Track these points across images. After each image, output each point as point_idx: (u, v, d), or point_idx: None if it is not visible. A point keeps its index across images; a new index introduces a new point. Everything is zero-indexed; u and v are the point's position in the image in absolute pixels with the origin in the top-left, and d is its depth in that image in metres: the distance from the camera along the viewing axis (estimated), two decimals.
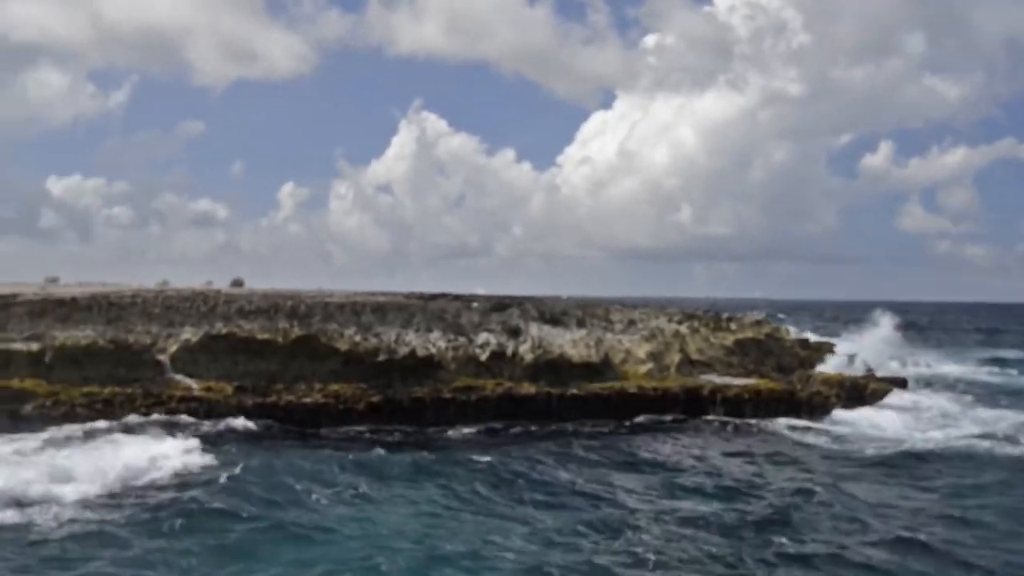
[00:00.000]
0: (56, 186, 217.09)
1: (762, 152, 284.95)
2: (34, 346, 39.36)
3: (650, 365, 47.35)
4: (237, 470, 28.14)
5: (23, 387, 38.03)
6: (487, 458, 32.18)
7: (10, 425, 36.01)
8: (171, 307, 43.93)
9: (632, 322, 51.55)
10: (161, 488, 26.54)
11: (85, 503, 24.17)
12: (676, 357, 48.76)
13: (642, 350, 48.84)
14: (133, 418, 37.38)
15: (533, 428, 40.59)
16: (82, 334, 40.80)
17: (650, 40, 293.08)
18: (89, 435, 33.71)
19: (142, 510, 23.70)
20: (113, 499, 25.17)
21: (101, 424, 36.14)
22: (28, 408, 37.09)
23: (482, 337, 45.39)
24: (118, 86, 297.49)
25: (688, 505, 25.97)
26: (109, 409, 38.44)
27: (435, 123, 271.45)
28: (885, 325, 69.86)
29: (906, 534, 22.67)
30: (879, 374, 53.33)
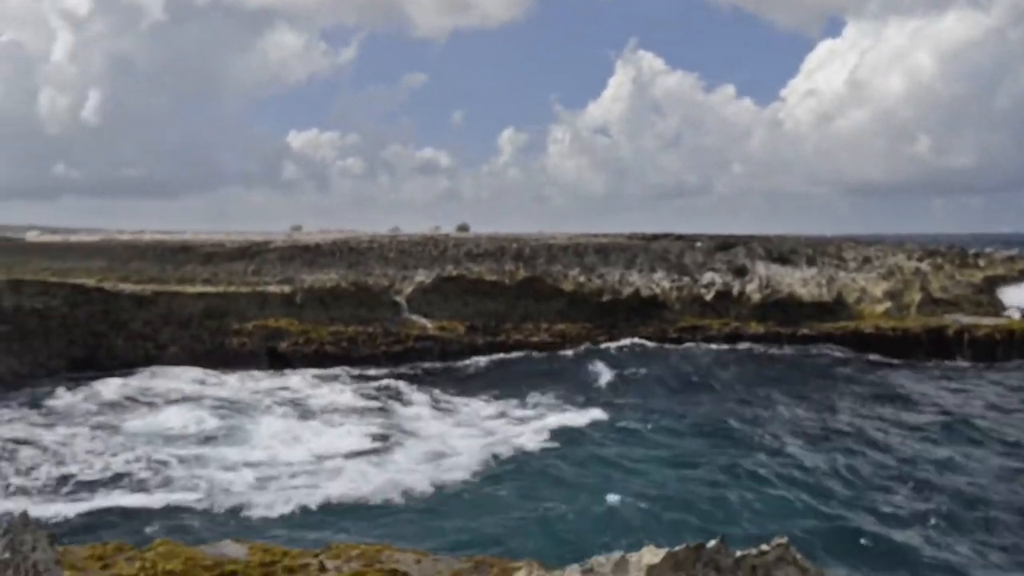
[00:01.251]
0: (296, 140, 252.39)
1: (1011, 75, 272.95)
2: (286, 288, 49.04)
3: (888, 304, 50.82)
4: None
5: (279, 325, 48.49)
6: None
7: (267, 362, 46.77)
8: (405, 251, 52.23)
9: (867, 259, 54.57)
10: None
11: None
12: (917, 296, 51.49)
13: (879, 288, 52.20)
14: None
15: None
16: (327, 277, 50.16)
17: None
18: None
19: None
20: None
21: None
22: (283, 345, 47.64)
23: (707, 277, 50.81)
24: (347, 43, 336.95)
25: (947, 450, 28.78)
26: (353, 346, 48.43)
27: (651, 62, 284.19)
28: None
29: None
30: None
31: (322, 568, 10.46)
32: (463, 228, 65.60)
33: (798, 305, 49.39)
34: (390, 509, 22.45)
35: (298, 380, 40.47)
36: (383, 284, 49.65)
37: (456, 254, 52.14)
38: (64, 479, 24.77)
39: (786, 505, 22.67)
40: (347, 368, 43.80)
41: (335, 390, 38.42)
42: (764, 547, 5.95)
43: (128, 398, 35.27)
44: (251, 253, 52.04)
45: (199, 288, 46.70)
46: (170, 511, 22.03)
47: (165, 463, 26.04)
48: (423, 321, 48.94)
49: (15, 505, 21.57)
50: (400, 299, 49.57)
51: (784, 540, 5.69)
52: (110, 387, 36.16)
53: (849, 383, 39.71)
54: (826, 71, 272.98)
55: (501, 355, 46.84)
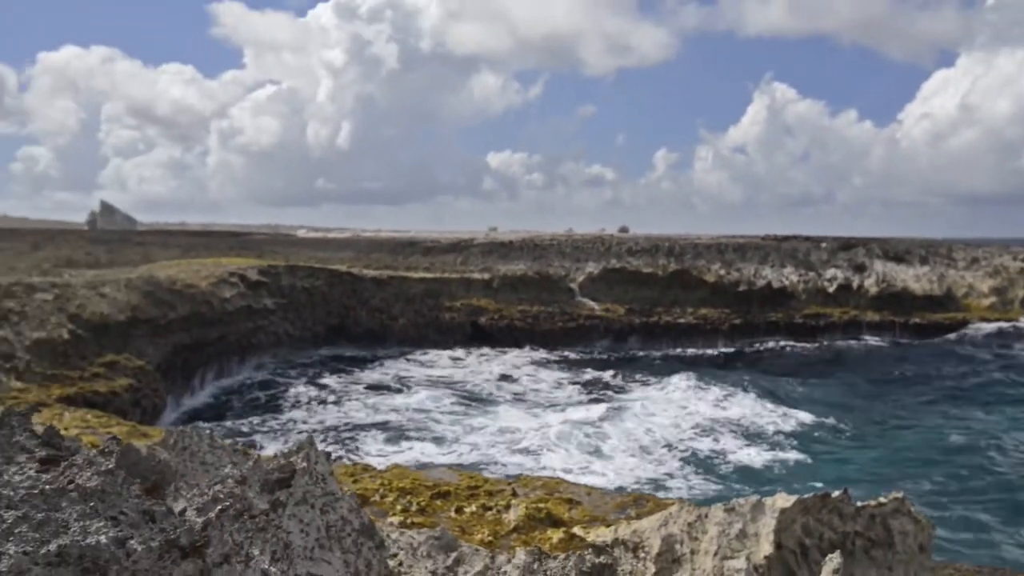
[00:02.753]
0: (493, 159, 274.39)
1: None
2: (486, 275, 51.57)
3: (993, 299, 49.38)
4: None
5: (480, 304, 52.77)
6: None
7: (470, 331, 51.50)
8: (578, 247, 54.43)
9: (975, 259, 52.70)
10: None
11: None
12: (1021, 292, 50.05)
13: (985, 285, 50.51)
14: None
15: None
16: (516, 267, 52.56)
17: None
18: None
19: None
20: None
21: None
22: (483, 319, 52.30)
23: (830, 272, 50.35)
24: (534, 82, 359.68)
25: None
26: (536, 322, 52.48)
27: (784, 91, 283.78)
28: None
29: None
30: None
31: (514, 494, 10.65)
32: (623, 229, 68.24)
33: (911, 298, 48.81)
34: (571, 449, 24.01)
35: (518, 362, 42.90)
36: (560, 273, 51.80)
37: (618, 250, 53.71)
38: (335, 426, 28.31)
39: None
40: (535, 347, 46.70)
41: (554, 376, 40.32)
42: (882, 499, 5.71)
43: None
44: (459, 248, 56.37)
45: (421, 274, 50.13)
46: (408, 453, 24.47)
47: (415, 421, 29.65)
48: (591, 304, 50.66)
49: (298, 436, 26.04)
50: (574, 285, 51.59)
51: (900, 494, 5.43)
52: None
53: None
54: (940, 96, 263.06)
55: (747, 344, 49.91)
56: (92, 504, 2.25)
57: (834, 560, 3.94)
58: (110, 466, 2.43)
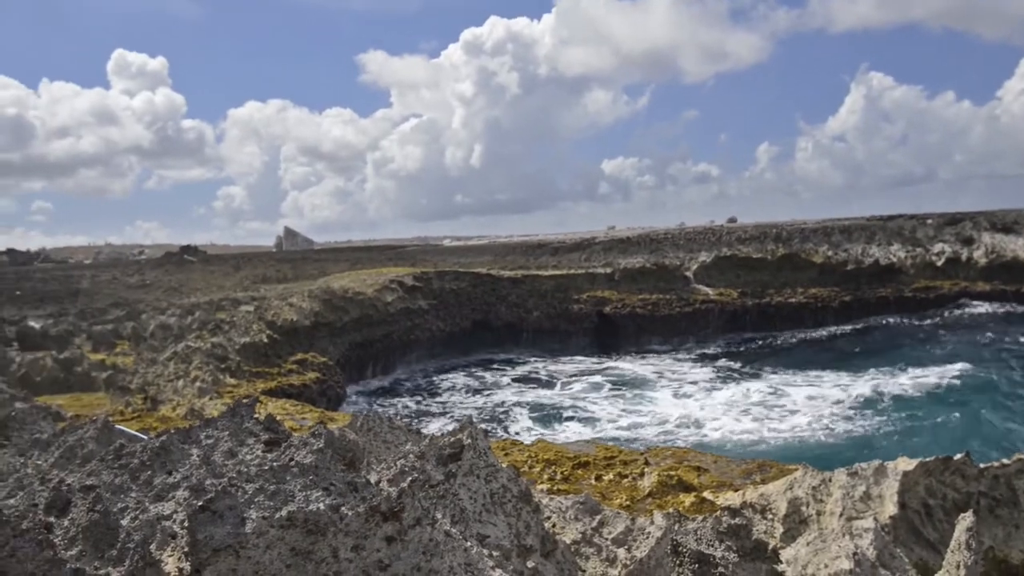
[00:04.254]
0: (607, 166, 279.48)
1: None
2: (608, 269, 51.68)
3: None
4: None
5: (603, 295, 52.19)
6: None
7: (596, 319, 51.23)
8: (690, 239, 53.15)
9: None
10: None
11: None
12: None
13: None
14: None
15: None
16: (635, 260, 51.92)
17: None
18: None
19: None
20: None
21: None
22: (607, 308, 51.86)
23: (937, 247, 46.67)
24: (641, 94, 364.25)
25: None
26: (655, 309, 51.59)
27: (880, 80, 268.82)
28: None
29: None
30: None
31: (646, 463, 10.57)
32: (732, 220, 66.05)
33: (1021, 266, 45.07)
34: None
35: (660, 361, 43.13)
36: (675, 263, 50.56)
37: (728, 239, 51.98)
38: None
39: None
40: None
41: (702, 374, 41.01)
42: (1005, 461, 5.37)
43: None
44: (583, 246, 56.19)
45: (550, 272, 50.27)
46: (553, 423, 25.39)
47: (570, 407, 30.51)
48: (706, 289, 49.17)
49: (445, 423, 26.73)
50: (688, 274, 50.20)
51: None
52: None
53: None
54: None
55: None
56: (310, 477, 2.43)
57: (967, 519, 3.69)
58: (320, 446, 2.62)
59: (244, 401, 3.18)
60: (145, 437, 4.27)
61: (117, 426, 4.78)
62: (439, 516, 2.68)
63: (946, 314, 43.17)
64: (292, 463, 2.48)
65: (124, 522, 2.51)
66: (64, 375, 18.94)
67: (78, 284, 43.08)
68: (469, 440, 3.41)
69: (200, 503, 2.21)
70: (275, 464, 2.46)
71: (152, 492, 2.72)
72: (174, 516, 2.51)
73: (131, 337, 24.70)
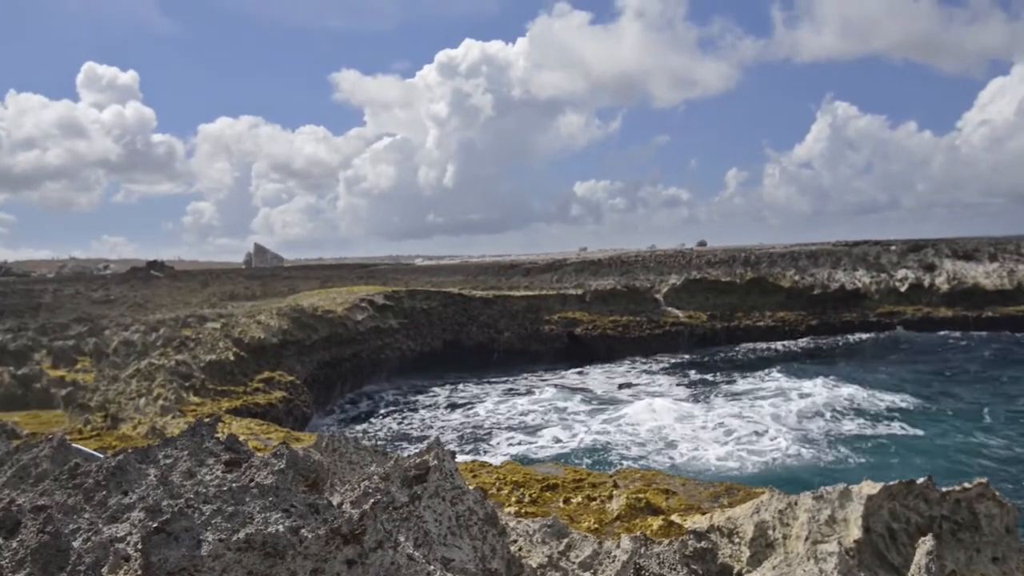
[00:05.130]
0: (580, 188, 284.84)
1: None
2: (579, 291, 51.65)
3: None
4: None
5: (575, 316, 52.47)
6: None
7: (567, 340, 51.35)
8: (661, 262, 53.58)
9: None
10: None
11: None
12: None
13: None
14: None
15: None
16: (606, 282, 52.44)
17: None
18: None
19: None
20: None
21: None
22: (578, 330, 52.04)
23: (901, 272, 47.51)
24: (613, 118, 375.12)
25: None
26: (625, 331, 51.86)
27: (846, 109, 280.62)
28: None
29: None
30: None
31: (615, 485, 10.41)
32: (702, 243, 66.88)
33: (982, 293, 45.92)
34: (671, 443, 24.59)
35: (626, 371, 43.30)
36: (646, 285, 50.95)
37: (698, 262, 52.55)
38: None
39: None
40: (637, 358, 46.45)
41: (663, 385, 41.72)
42: (967, 484, 5.39)
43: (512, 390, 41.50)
44: (555, 267, 56.52)
45: (522, 292, 50.51)
46: (530, 448, 24.56)
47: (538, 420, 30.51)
48: (676, 311, 49.58)
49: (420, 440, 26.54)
50: (659, 296, 50.67)
51: (984, 480, 5.11)
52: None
53: None
54: (997, 103, 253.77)
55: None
56: (270, 499, 2.39)
57: (927, 543, 3.74)
58: (282, 466, 2.58)
59: (206, 420, 3.11)
60: (102, 456, 4.16)
61: (74, 445, 4.65)
62: (402, 539, 2.65)
63: (909, 332, 44.05)
64: (252, 484, 2.43)
65: (76, 544, 2.43)
66: (22, 391, 18.43)
67: (40, 298, 42.08)
68: (435, 461, 3.40)
69: (155, 524, 2.15)
70: (234, 485, 2.41)
71: (106, 513, 2.64)
72: (128, 538, 2.44)
73: (93, 353, 24.15)
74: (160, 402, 17.04)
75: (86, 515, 2.62)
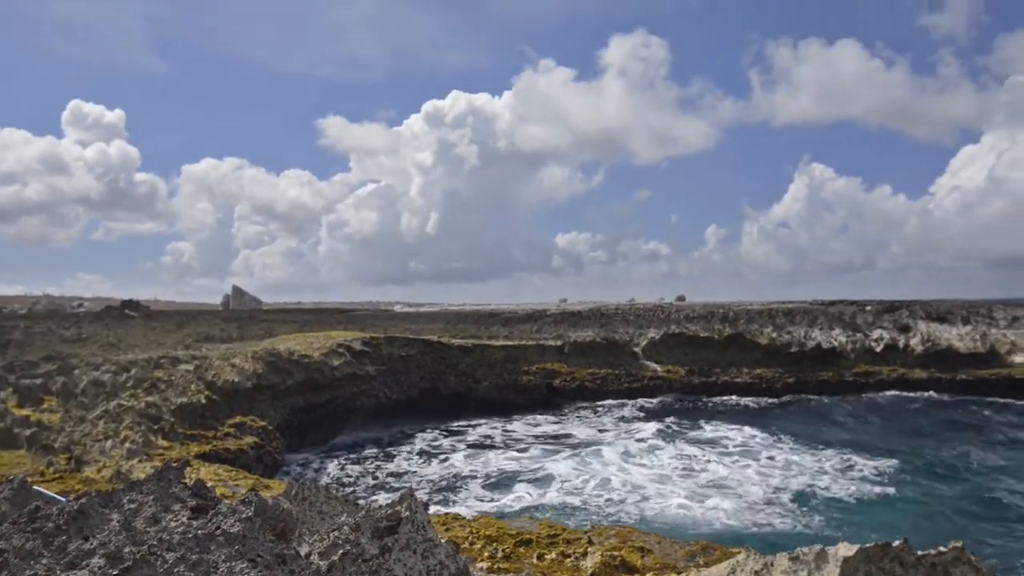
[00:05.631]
0: (561, 240, 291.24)
1: None
2: (558, 342, 51.98)
3: None
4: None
5: (553, 368, 52.18)
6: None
7: (546, 392, 51.06)
8: (640, 315, 53.66)
9: (1016, 318, 48.83)
10: None
11: None
12: None
13: None
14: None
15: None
16: (585, 333, 52.78)
17: (1013, 81, 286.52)
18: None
19: None
20: None
21: None
22: (556, 381, 51.81)
23: (876, 332, 48.31)
24: (595, 172, 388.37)
25: None
26: (604, 383, 51.70)
27: (822, 171, 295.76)
28: None
29: None
30: None
31: (590, 542, 10.34)
32: (681, 298, 67.50)
33: (955, 355, 46.50)
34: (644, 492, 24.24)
35: (606, 420, 42.29)
36: (625, 339, 51.20)
37: (677, 317, 52.83)
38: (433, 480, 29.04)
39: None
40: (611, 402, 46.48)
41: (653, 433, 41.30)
42: (942, 548, 5.06)
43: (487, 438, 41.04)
44: (534, 317, 56.60)
45: (502, 342, 50.41)
46: (497, 498, 24.17)
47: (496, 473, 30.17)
48: (654, 366, 49.91)
49: (399, 488, 25.92)
50: (637, 349, 50.85)
51: (959, 544, 4.96)
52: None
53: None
54: (968, 170, 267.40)
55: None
56: (236, 547, 2.33)
57: None
58: (249, 514, 2.52)
59: (173, 465, 3.05)
60: (64, 500, 4.04)
61: (35, 488, 4.52)
62: None
63: (884, 395, 44.39)
64: (218, 531, 2.38)
65: None
66: None
67: (9, 335, 41.26)
68: (407, 512, 3.35)
69: (115, 572, 2.09)
70: (200, 532, 2.35)
71: (65, 559, 2.56)
72: None
73: (60, 392, 23.60)
74: (127, 445, 16.63)
75: (43, 560, 2.54)
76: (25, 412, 20.78)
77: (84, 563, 2.48)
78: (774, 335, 49.40)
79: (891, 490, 24.17)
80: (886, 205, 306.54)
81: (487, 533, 10.97)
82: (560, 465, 28.20)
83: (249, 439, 23.80)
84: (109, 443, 16.61)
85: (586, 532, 11.28)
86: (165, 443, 19.07)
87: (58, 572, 2.46)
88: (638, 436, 34.18)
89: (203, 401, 24.29)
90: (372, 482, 26.32)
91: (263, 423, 26.61)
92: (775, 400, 45.36)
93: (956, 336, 47.05)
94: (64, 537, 2.66)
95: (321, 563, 2.38)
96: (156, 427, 19.72)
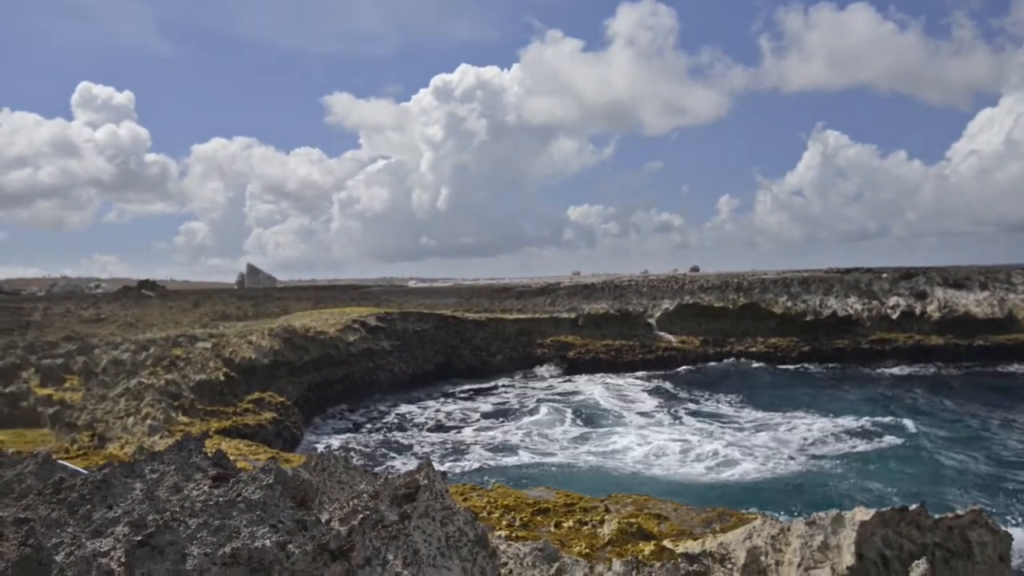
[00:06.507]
0: (573, 212, 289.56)
1: None
2: (572, 314, 52.38)
3: None
4: None
5: (567, 340, 52.80)
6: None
7: (559, 364, 51.17)
8: (654, 287, 53.53)
9: None
10: None
11: None
12: None
13: None
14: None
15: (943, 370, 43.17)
16: (599, 306, 52.71)
17: None
18: None
19: None
20: None
21: None
22: (571, 353, 51.94)
23: (892, 300, 47.76)
24: (606, 144, 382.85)
25: None
26: (618, 355, 51.75)
27: (836, 138, 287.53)
28: None
29: None
30: None
31: (607, 510, 10.42)
32: (695, 269, 67.16)
33: (973, 321, 46.16)
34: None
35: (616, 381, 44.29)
36: (639, 310, 51.25)
37: (691, 287, 52.60)
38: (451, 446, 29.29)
39: None
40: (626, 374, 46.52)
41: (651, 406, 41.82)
42: (960, 512, 5.41)
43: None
44: (548, 291, 56.67)
45: (515, 315, 50.58)
46: (513, 467, 24.10)
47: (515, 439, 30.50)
48: (668, 337, 49.97)
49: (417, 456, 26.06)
50: (651, 321, 50.87)
51: (977, 507, 5.18)
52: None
53: None
54: (986, 133, 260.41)
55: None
56: (257, 513, 2.35)
57: (920, 566, 3.72)
58: (269, 481, 2.54)
59: (192, 436, 3.08)
60: (88, 473, 4.10)
61: (59, 461, 4.59)
62: (391, 557, 2.61)
63: (893, 368, 44.10)
64: (239, 498, 2.40)
65: (58, 558, 2.39)
66: (8, 410, 18.23)
67: (29, 316, 41.80)
68: (425, 481, 3.37)
69: (139, 538, 2.12)
70: (221, 499, 2.37)
71: (90, 527, 2.60)
72: (112, 552, 2.40)
73: (81, 372, 23.93)
74: (148, 421, 16.88)
75: (69, 529, 2.58)
76: (47, 391, 21.11)
77: (109, 530, 2.52)
78: (789, 304, 49.12)
79: (910, 453, 24.11)
80: (901, 171, 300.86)
81: (504, 503, 11.07)
82: (575, 432, 28.34)
83: (268, 414, 24.08)
84: (131, 420, 16.86)
85: (603, 500, 11.32)
86: (186, 419, 19.33)
87: (83, 540, 2.49)
88: (652, 406, 34.26)
89: (221, 378, 24.56)
90: (391, 453, 26.58)
91: (281, 399, 26.89)
92: (790, 367, 45.24)
93: (974, 302, 46.56)
94: (88, 506, 2.70)
95: (341, 528, 2.40)
96: (176, 404, 19.98)
